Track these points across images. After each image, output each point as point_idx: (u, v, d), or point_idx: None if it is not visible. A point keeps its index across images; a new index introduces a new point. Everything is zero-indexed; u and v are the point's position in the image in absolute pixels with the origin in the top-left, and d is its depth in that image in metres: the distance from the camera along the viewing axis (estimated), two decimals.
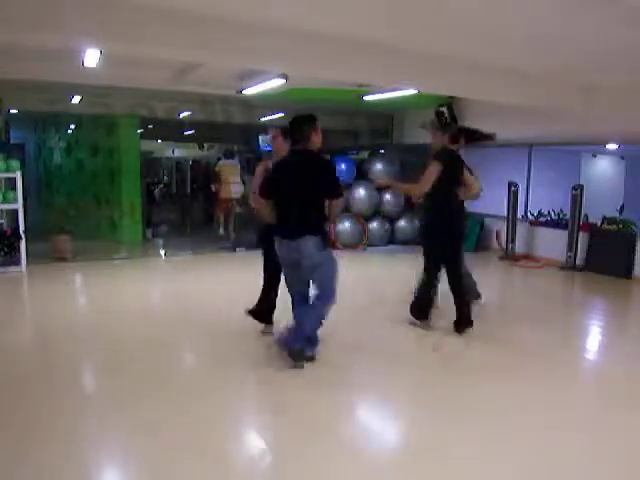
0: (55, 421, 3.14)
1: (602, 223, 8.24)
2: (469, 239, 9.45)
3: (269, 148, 14.08)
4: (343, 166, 9.32)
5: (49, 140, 11.85)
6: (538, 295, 6.90)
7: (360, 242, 9.42)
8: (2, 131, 8.68)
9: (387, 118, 10.79)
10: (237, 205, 9.79)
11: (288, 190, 3.91)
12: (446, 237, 4.71)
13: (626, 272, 7.47)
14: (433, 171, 4.58)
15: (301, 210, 3.91)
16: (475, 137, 5.14)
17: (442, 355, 4.41)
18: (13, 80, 6.86)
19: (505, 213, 8.92)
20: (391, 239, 9.89)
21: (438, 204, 4.72)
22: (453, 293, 4.80)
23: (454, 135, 4.88)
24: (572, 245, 8.01)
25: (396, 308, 5.25)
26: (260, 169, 4.55)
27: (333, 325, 4.20)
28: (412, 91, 6.93)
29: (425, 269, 4.83)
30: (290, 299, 4.19)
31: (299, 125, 3.94)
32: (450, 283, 4.79)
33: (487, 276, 8.21)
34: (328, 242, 4.10)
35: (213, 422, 3.20)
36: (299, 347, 3.90)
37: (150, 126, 11.36)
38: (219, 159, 10.44)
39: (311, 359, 4.02)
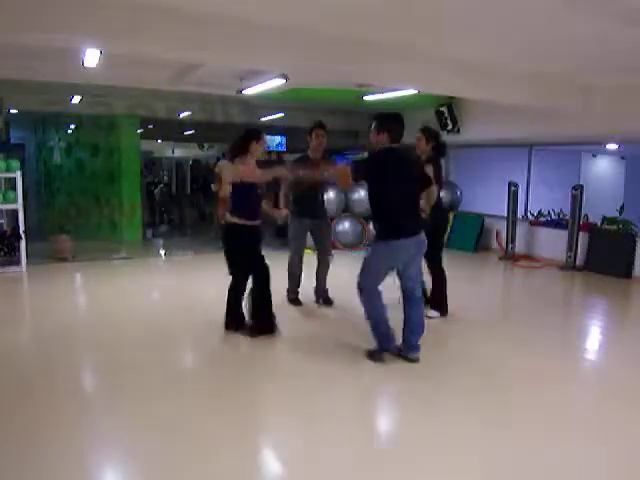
0: (55, 421, 3.14)
1: (602, 223, 8.26)
2: (469, 239, 9.49)
3: (267, 148, 14.12)
4: None
5: (49, 140, 11.85)
6: (538, 295, 6.90)
7: (360, 242, 9.42)
8: (2, 131, 8.68)
9: None
10: None
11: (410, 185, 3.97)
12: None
13: (626, 272, 7.48)
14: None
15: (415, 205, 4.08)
16: None
17: (440, 355, 4.41)
18: (13, 80, 6.86)
19: (505, 213, 8.92)
20: None
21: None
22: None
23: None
24: (572, 245, 8.02)
25: None
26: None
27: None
28: (412, 91, 6.93)
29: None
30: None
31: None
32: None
33: (487, 276, 8.24)
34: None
35: (214, 422, 3.20)
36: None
37: (150, 126, 11.36)
38: (219, 159, 10.44)
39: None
